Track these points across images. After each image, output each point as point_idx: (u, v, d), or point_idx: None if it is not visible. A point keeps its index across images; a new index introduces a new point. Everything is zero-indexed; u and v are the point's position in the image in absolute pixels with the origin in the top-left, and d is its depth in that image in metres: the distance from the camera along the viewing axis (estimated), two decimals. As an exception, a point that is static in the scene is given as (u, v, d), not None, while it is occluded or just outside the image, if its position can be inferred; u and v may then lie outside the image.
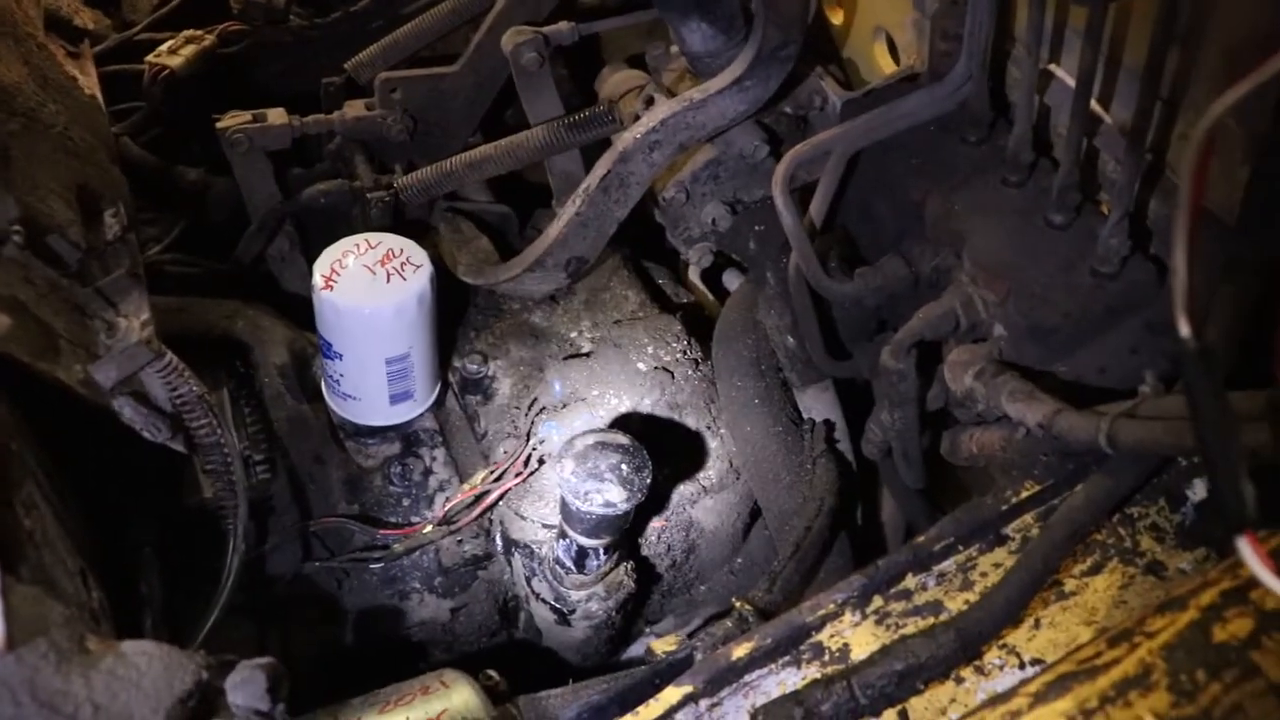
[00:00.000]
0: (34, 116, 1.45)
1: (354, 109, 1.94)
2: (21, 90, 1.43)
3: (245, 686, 1.06)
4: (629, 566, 1.66)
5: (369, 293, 1.58)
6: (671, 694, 1.22)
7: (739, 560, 1.93)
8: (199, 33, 2.03)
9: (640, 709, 1.23)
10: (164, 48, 1.99)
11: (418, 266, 1.62)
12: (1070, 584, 1.23)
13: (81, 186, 1.45)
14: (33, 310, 1.26)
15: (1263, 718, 0.89)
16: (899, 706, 1.15)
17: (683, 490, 1.73)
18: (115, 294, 1.35)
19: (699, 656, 1.34)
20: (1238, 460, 0.71)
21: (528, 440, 1.68)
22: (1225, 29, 1.17)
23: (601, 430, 1.49)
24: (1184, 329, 0.71)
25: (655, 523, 1.74)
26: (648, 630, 1.84)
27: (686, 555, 1.83)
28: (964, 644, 1.13)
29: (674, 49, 1.87)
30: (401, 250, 1.64)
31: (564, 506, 1.48)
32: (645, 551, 1.76)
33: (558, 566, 1.61)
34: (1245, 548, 0.70)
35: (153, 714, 0.94)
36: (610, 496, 1.42)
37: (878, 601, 1.26)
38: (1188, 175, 0.67)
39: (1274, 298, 1.18)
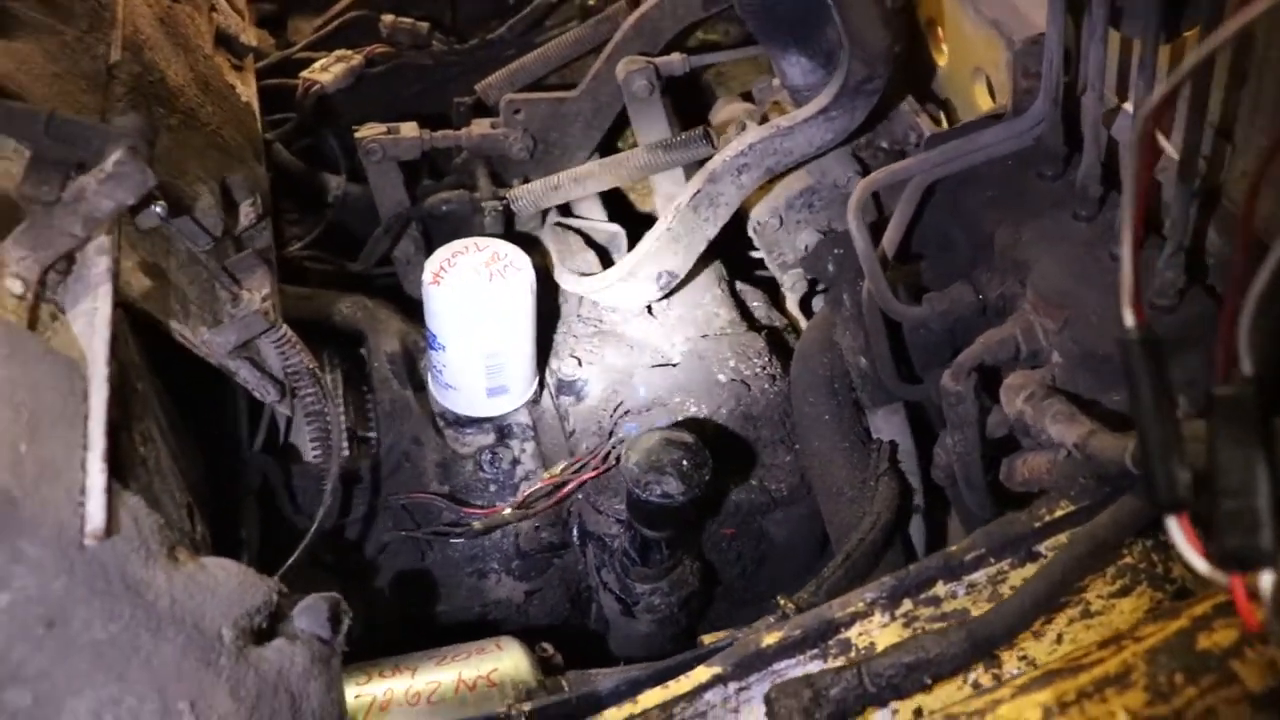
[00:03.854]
0: (192, 115, 1.65)
1: (480, 127, 2.10)
2: (184, 92, 1.64)
3: (309, 612, 1.18)
4: (694, 566, 1.74)
5: (473, 289, 1.72)
6: (701, 673, 1.29)
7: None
8: (349, 53, 2.23)
9: (670, 683, 1.30)
10: (316, 65, 2.20)
11: (520, 270, 1.75)
12: (1097, 604, 1.25)
13: (226, 179, 1.64)
14: (171, 277, 1.44)
15: (1232, 722, 0.91)
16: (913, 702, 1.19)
17: (754, 500, 1.80)
18: (242, 271, 1.52)
19: (735, 643, 1.40)
20: (1172, 443, 0.76)
21: (610, 437, 1.78)
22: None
23: (668, 428, 1.59)
24: (1128, 319, 0.76)
25: (726, 530, 1.81)
26: (714, 636, 1.91)
27: (757, 566, 1.89)
28: (974, 643, 1.16)
29: (777, 82, 1.97)
30: (507, 254, 1.77)
31: (628, 496, 1.58)
32: (715, 557, 1.83)
33: (625, 558, 1.70)
34: (1174, 527, 0.74)
35: (222, 617, 1.08)
36: (669, 488, 1.51)
37: (907, 605, 1.31)
38: (1131, 164, 0.73)
39: None
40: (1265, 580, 0.66)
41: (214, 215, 1.53)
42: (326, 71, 2.17)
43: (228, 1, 2.03)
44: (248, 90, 1.91)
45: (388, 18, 2.26)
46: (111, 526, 1.01)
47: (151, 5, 1.69)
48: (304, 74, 2.17)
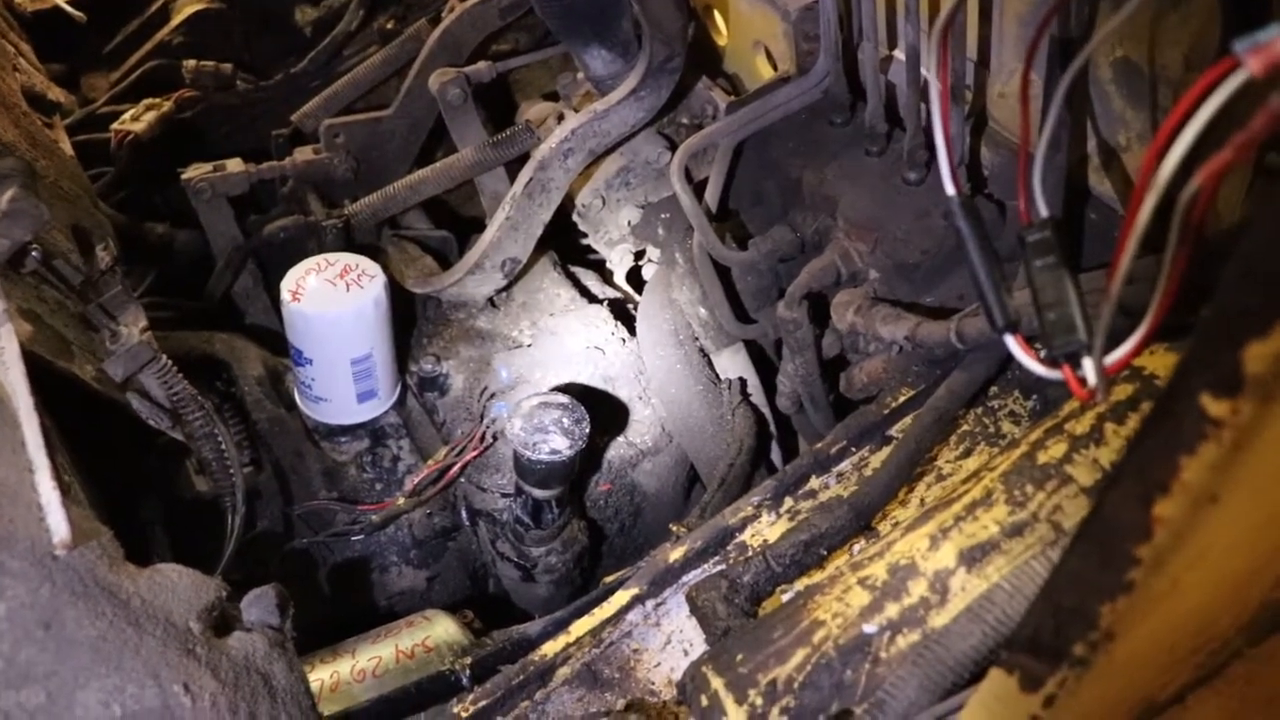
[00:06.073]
0: (30, 169, 1.66)
1: (304, 154, 2.17)
2: (18, 147, 1.65)
3: (258, 602, 1.26)
4: (580, 525, 1.88)
5: (332, 300, 1.81)
6: (621, 597, 1.43)
7: (683, 525, 2.16)
8: (157, 100, 2.26)
9: (595, 610, 1.43)
10: (127, 115, 2.21)
11: (372, 277, 1.85)
12: (947, 467, 1.47)
13: (75, 226, 1.66)
14: (47, 321, 1.47)
15: (1076, 512, 1.12)
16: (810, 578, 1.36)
17: (622, 454, 1.95)
18: (115, 308, 1.56)
19: (643, 569, 1.55)
20: (999, 279, 0.96)
21: (481, 419, 1.90)
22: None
23: (543, 393, 1.72)
24: (950, 189, 0.96)
25: (601, 486, 1.95)
26: (605, 591, 2.05)
27: (634, 519, 2.05)
28: (856, 514, 1.35)
29: (580, 76, 2.14)
30: (357, 265, 1.87)
31: (517, 461, 1.70)
32: (595, 515, 1.97)
33: (518, 525, 1.82)
34: (1011, 343, 0.94)
35: (186, 612, 1.14)
36: (555, 445, 1.64)
37: (789, 502, 1.49)
38: (935, 67, 0.92)
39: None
40: (1087, 363, 0.86)
41: (77, 259, 1.56)
42: (138, 121, 2.19)
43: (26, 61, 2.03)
44: (65, 145, 1.92)
45: (190, 63, 2.29)
46: (76, 537, 1.07)
47: (-36, 68, 1.70)
48: (115, 125, 2.19)
